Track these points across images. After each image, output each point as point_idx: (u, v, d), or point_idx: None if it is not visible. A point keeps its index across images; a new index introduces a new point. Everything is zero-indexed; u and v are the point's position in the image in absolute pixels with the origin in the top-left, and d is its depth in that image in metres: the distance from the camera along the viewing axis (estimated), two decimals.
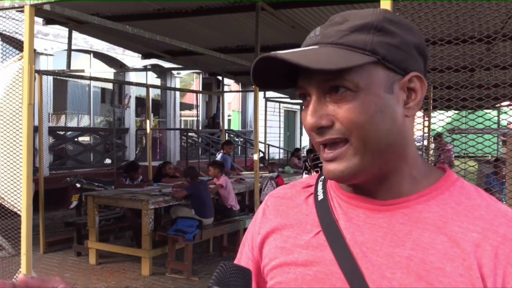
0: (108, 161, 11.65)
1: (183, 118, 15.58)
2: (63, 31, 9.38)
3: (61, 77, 9.80)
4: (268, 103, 12.60)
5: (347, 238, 0.75)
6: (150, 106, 9.09)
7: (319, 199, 0.82)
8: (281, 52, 0.69)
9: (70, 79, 10.73)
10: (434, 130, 5.17)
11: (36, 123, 6.61)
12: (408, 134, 0.75)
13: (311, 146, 10.41)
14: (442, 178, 0.77)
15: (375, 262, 0.71)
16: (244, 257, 0.91)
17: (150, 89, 9.19)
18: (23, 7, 2.93)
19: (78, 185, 7.36)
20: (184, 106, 15.68)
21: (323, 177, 0.86)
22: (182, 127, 14.90)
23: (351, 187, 0.78)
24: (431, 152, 5.71)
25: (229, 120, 17.48)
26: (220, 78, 11.64)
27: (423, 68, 0.76)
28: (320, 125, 0.71)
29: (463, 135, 2.90)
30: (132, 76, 12.21)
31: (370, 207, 0.76)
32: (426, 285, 0.68)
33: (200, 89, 15.64)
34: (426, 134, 5.00)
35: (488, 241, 0.68)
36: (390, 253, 0.71)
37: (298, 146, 15.41)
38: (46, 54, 10.21)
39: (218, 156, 8.91)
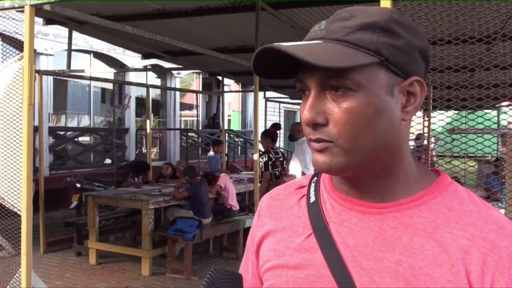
0: (108, 161, 11.64)
1: (183, 118, 15.58)
2: (63, 31, 9.37)
3: (61, 77, 9.79)
4: (268, 103, 12.58)
5: (338, 241, 0.75)
6: (150, 106, 9.09)
7: (311, 201, 0.82)
8: (285, 44, 0.68)
9: (70, 79, 10.72)
10: (434, 130, 5.17)
11: (36, 123, 6.61)
12: (403, 137, 0.75)
13: None
14: (435, 182, 0.76)
15: (365, 266, 0.72)
16: (250, 263, 0.92)
17: (150, 89, 9.19)
18: (23, 7, 2.92)
19: (78, 185, 7.37)
20: (184, 106, 15.68)
21: (315, 178, 0.86)
22: (182, 127, 14.89)
23: (347, 187, 0.77)
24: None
25: (229, 120, 17.47)
26: (220, 78, 11.63)
27: (424, 72, 0.75)
28: (316, 122, 0.71)
29: (463, 135, 2.90)
30: (132, 76, 12.20)
31: (363, 210, 0.75)
32: None
33: (200, 89, 15.64)
34: (426, 134, 5.00)
35: (477, 248, 0.68)
36: (379, 257, 0.71)
37: None
38: (46, 54, 10.20)
39: (210, 154, 8.98)
